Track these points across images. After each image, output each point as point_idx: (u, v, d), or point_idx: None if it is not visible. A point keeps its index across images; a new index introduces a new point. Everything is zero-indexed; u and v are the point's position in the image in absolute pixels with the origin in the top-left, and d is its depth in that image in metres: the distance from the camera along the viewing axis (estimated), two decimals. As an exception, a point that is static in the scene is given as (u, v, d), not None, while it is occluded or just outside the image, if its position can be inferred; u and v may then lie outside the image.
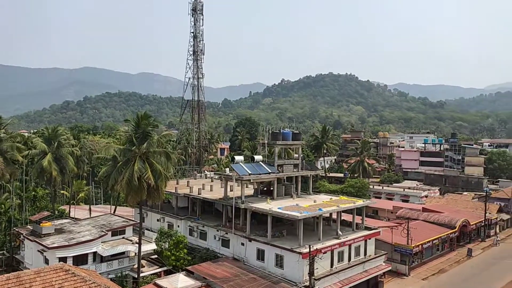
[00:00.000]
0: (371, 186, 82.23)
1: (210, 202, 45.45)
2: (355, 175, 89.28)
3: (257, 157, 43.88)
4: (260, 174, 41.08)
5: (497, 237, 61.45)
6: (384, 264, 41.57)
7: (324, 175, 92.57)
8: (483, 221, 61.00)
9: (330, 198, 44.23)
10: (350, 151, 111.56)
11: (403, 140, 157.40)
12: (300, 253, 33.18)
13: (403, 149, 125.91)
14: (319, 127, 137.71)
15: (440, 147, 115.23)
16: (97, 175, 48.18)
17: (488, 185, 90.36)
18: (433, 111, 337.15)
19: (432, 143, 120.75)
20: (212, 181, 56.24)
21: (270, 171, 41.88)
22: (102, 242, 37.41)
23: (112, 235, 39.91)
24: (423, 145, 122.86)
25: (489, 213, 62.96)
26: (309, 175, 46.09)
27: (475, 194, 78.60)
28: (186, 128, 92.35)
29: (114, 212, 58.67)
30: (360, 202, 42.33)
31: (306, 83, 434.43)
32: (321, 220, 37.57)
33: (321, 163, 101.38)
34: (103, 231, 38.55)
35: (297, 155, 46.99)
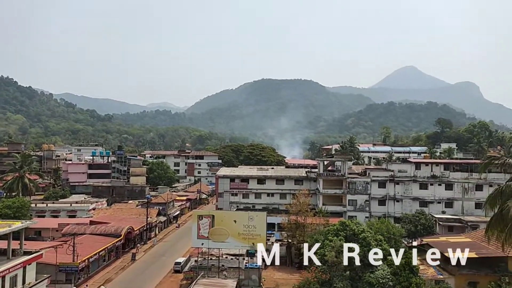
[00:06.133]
0: (33, 205, 74.12)
1: None
2: (13, 193, 78.10)
3: None
4: None
5: (155, 238, 69.67)
6: (47, 288, 38.05)
7: (-32, 197, 74.96)
8: (145, 225, 67.65)
9: (-24, 225, 36.10)
10: (7, 166, 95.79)
11: (71, 153, 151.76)
12: None
13: (70, 162, 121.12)
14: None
15: (108, 159, 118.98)
16: None
17: (150, 192, 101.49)
18: (101, 124, 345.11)
19: (100, 155, 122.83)
20: None
21: None
22: None
23: None
24: (92, 157, 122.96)
25: (150, 218, 70.49)
26: None
27: (139, 202, 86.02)
28: None
29: None
30: (18, 225, 36.88)
31: None
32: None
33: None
34: None
35: None
